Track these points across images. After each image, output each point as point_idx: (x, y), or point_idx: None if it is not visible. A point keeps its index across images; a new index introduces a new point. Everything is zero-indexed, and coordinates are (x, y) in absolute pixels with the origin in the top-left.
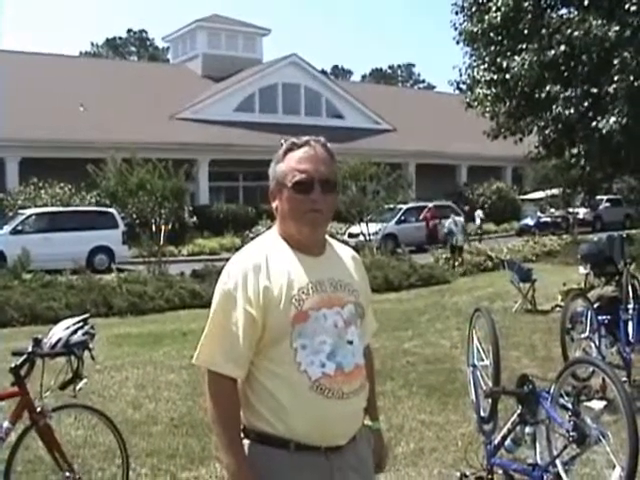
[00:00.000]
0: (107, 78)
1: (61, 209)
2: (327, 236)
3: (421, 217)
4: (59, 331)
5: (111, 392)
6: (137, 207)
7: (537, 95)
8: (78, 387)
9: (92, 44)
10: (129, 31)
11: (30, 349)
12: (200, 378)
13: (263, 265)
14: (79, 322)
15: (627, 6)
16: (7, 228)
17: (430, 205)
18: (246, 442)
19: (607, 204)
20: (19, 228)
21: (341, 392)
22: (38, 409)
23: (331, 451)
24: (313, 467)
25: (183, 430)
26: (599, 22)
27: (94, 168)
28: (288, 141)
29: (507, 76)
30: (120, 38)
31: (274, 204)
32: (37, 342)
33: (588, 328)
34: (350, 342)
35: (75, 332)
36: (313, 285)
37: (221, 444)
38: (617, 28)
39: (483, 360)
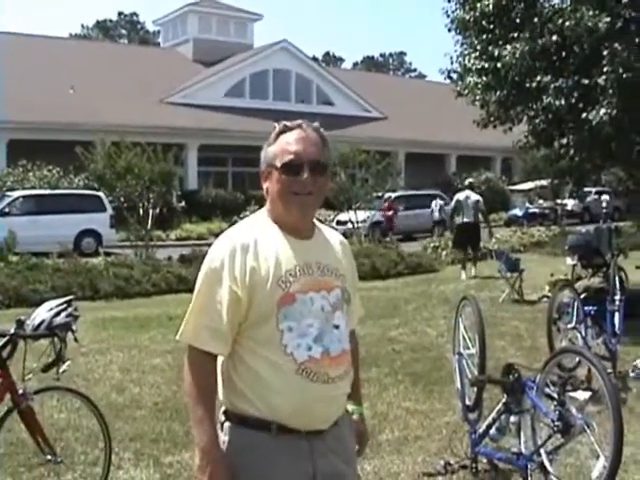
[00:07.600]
0: (97, 61)
1: (49, 192)
2: (316, 220)
3: (381, 208)
4: (42, 313)
5: (95, 375)
6: (125, 191)
7: (528, 84)
8: (61, 370)
9: (82, 26)
10: (120, 14)
11: (13, 330)
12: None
13: (251, 245)
14: (62, 304)
15: None
16: None
17: (393, 196)
18: (227, 425)
19: (595, 196)
20: (6, 210)
21: (327, 376)
22: (20, 391)
23: (312, 435)
24: (294, 450)
25: (167, 414)
26: (590, 13)
27: (82, 151)
28: (280, 124)
29: (498, 65)
30: (111, 21)
31: (264, 186)
32: (20, 324)
33: (574, 319)
34: (336, 327)
35: (58, 314)
36: (300, 268)
37: (194, 419)
38: (608, 19)
39: (469, 349)
